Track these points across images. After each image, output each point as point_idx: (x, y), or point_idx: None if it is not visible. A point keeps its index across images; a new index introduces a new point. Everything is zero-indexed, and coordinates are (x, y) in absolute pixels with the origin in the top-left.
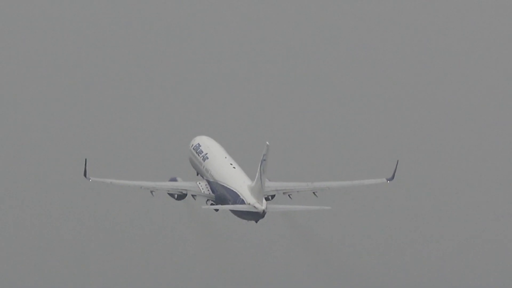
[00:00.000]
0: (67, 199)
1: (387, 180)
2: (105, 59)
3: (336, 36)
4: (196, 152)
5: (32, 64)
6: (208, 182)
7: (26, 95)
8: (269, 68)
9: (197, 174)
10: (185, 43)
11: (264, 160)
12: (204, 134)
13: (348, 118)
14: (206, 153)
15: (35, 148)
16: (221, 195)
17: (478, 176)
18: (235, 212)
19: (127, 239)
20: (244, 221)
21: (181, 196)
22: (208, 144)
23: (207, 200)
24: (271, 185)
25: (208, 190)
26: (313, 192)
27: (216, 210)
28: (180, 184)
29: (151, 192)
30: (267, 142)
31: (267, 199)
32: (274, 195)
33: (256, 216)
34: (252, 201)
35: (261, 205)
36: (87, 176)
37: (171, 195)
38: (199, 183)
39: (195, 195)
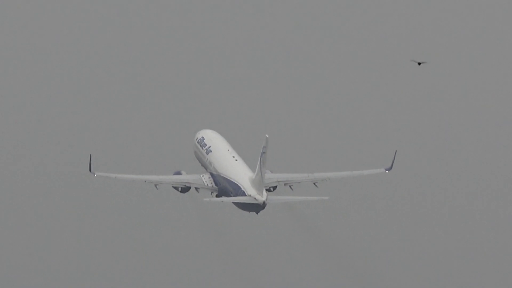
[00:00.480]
0: (72, 194)
1: (386, 170)
2: (110, 54)
3: (335, 30)
4: (200, 146)
5: (38, 60)
6: (211, 174)
7: (31, 91)
8: (270, 63)
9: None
10: (190, 39)
11: (264, 152)
12: (209, 128)
13: (346, 110)
14: (210, 146)
15: (41, 144)
16: (224, 187)
17: (476, 166)
18: (236, 203)
19: (131, 232)
20: (246, 212)
21: (185, 189)
22: (211, 138)
23: (212, 192)
24: (272, 177)
25: (211, 182)
26: (314, 183)
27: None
28: (184, 177)
29: (156, 185)
30: (266, 135)
31: (269, 190)
32: (276, 186)
33: (257, 207)
34: (252, 193)
35: (262, 197)
36: (92, 171)
37: (176, 188)
38: (203, 176)
39: (199, 188)
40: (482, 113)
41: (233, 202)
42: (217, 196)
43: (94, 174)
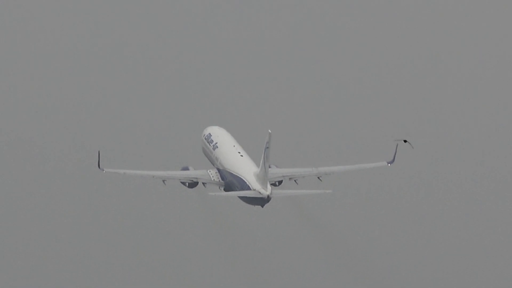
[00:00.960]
0: (82, 190)
1: (388, 163)
2: (118, 51)
3: (340, 26)
4: (208, 142)
5: (46, 56)
6: (218, 170)
7: (40, 87)
8: (275, 60)
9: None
10: (198, 36)
11: (267, 147)
12: (216, 124)
13: (349, 105)
14: (216, 143)
15: (50, 141)
16: (230, 182)
17: (479, 159)
18: (242, 198)
19: (140, 227)
20: (251, 206)
21: (192, 184)
22: (218, 134)
23: (220, 187)
24: (278, 172)
25: (218, 177)
26: (318, 177)
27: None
28: (191, 173)
29: (163, 181)
30: (269, 130)
31: (274, 184)
32: (282, 181)
33: (261, 201)
34: (257, 187)
35: (266, 191)
36: (101, 167)
37: (183, 183)
38: (209, 171)
39: (205, 183)
40: (483, 107)
41: (238, 196)
42: (224, 190)
43: (103, 170)
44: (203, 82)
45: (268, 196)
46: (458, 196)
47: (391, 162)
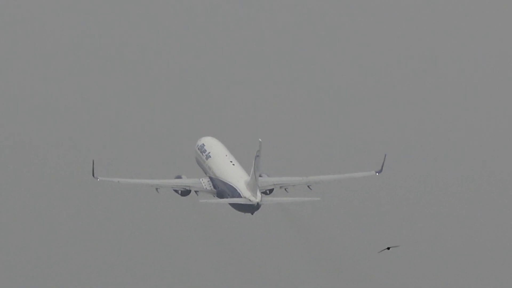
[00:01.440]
0: (76, 198)
1: (376, 172)
2: (112, 60)
3: (328, 36)
4: (201, 152)
5: (40, 64)
6: (211, 178)
7: (33, 95)
8: (265, 71)
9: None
10: (192, 47)
11: (258, 156)
12: (209, 135)
13: (338, 116)
14: (209, 152)
15: (45, 150)
16: (222, 190)
17: (466, 167)
18: (233, 205)
19: (133, 233)
20: (241, 213)
21: (185, 192)
22: (211, 144)
23: (212, 195)
24: (269, 180)
25: (210, 186)
26: (308, 186)
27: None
28: (184, 181)
29: (156, 189)
30: (260, 139)
31: (265, 193)
32: (273, 189)
33: (251, 208)
34: (247, 195)
35: (256, 198)
36: (95, 175)
37: (176, 191)
38: (202, 179)
39: (198, 191)
40: (472, 115)
41: (229, 203)
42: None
43: (97, 178)
44: (197, 93)
45: (257, 203)
46: (445, 204)
47: (379, 171)
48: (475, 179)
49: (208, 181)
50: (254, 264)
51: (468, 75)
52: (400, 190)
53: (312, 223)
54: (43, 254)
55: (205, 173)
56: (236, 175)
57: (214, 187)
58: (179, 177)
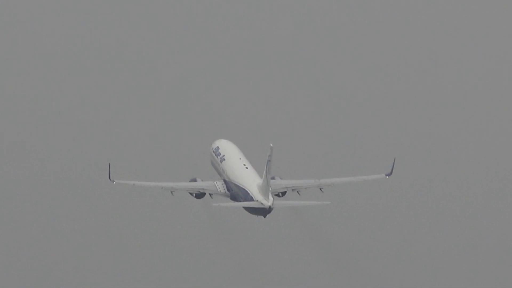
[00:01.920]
0: (93, 200)
1: (386, 175)
2: (128, 64)
3: (337, 37)
4: (215, 155)
5: (57, 69)
6: (225, 181)
7: (51, 100)
8: (278, 75)
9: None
10: (208, 49)
11: (269, 160)
12: (224, 137)
13: (349, 120)
14: (223, 155)
15: (62, 153)
16: (235, 193)
17: (475, 170)
18: (245, 208)
19: (148, 235)
20: (254, 216)
21: (200, 195)
22: (225, 147)
23: (226, 197)
24: (282, 183)
25: (224, 189)
26: (320, 188)
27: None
28: (199, 184)
29: (171, 192)
30: (271, 144)
31: (278, 195)
32: (285, 192)
33: (263, 211)
34: (259, 198)
35: (268, 202)
36: (111, 178)
37: (191, 194)
38: (216, 182)
39: (212, 194)
40: (483, 117)
41: (242, 207)
42: (230, 201)
43: (113, 181)
44: (212, 97)
45: (269, 207)
46: (455, 207)
47: (389, 174)
48: (486, 181)
49: (222, 184)
50: (264, 266)
51: (481, 78)
52: (408, 192)
53: (323, 225)
54: (57, 255)
55: (220, 176)
56: (249, 178)
57: (228, 189)
58: (194, 180)
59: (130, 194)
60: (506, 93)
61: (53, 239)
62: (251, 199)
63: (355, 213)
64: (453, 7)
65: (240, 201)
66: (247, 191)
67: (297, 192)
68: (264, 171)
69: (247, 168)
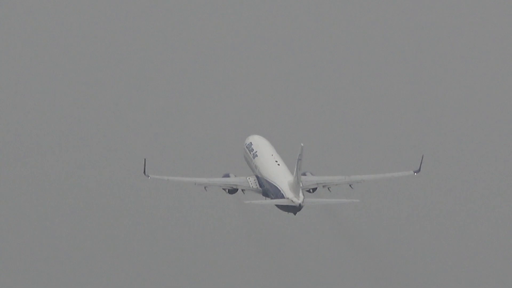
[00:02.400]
0: (128, 195)
1: (414, 172)
2: (163, 61)
3: (364, 38)
4: (248, 150)
5: (91, 67)
6: (257, 177)
7: (88, 98)
8: (310, 75)
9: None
10: (244, 46)
11: (300, 159)
12: (258, 133)
13: (379, 117)
14: (256, 151)
15: (100, 149)
16: (267, 189)
17: (502, 168)
18: (276, 205)
19: (181, 230)
20: (285, 212)
21: (232, 191)
22: (258, 143)
23: (257, 193)
24: (313, 179)
25: (256, 184)
26: (349, 185)
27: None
28: (231, 180)
29: (205, 187)
30: (302, 144)
31: (309, 191)
32: (316, 188)
33: (293, 209)
34: (290, 196)
35: (298, 199)
36: (146, 173)
37: (224, 189)
38: (249, 178)
39: (244, 190)
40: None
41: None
42: (262, 196)
43: (148, 176)
44: (246, 93)
45: (299, 205)
46: (482, 204)
47: (418, 171)
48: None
49: (254, 180)
50: (294, 262)
51: (509, 76)
52: (436, 189)
53: (353, 222)
54: (92, 249)
55: (252, 171)
56: (280, 175)
57: (260, 185)
58: (227, 175)
59: (164, 188)
60: None
61: (87, 233)
62: (282, 196)
63: (384, 210)
64: (453, 8)
65: (271, 198)
66: (278, 188)
67: (328, 188)
68: (295, 170)
69: (279, 165)
